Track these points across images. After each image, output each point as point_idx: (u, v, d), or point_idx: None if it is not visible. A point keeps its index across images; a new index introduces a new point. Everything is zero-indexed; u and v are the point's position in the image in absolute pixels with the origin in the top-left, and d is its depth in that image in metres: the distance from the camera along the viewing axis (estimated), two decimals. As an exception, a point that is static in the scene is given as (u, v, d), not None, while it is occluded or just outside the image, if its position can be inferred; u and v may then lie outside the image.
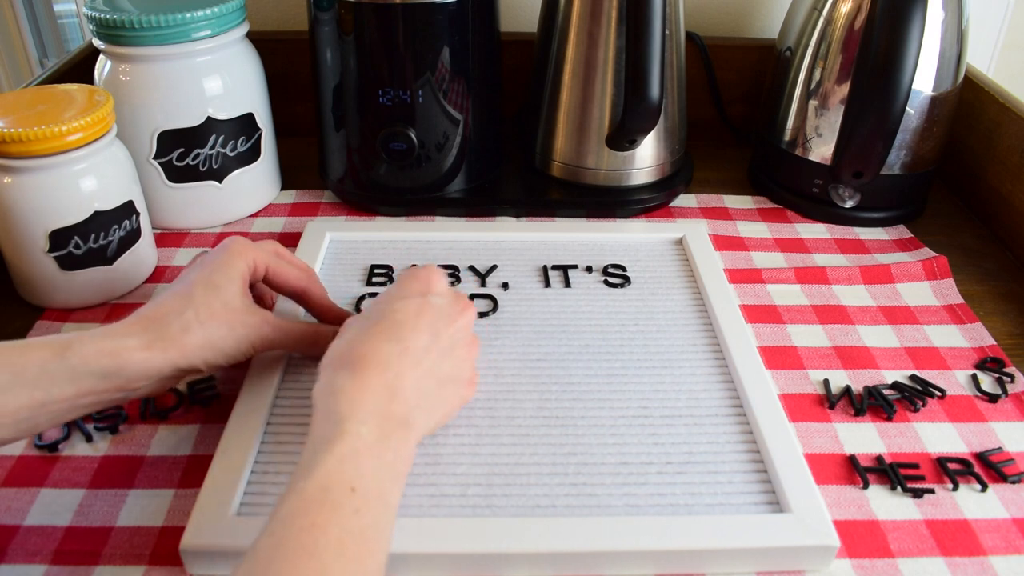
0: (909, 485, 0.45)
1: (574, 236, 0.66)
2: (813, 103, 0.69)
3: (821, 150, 0.70)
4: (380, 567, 0.34)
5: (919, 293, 0.62)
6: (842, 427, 0.49)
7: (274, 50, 0.76)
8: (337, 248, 0.64)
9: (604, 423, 0.48)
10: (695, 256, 0.62)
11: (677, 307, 0.58)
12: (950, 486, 0.45)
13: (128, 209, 0.58)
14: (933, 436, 0.49)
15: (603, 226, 0.67)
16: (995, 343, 0.56)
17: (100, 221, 0.56)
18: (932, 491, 0.45)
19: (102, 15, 0.60)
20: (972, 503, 0.45)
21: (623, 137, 0.67)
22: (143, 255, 0.61)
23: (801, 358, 0.55)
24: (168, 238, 0.67)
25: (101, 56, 0.64)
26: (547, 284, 0.60)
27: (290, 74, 0.80)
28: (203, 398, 0.51)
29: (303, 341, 0.49)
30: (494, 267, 0.62)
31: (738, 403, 0.49)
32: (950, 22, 0.64)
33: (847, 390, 0.52)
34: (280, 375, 0.50)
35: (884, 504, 0.44)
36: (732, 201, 0.75)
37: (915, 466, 0.47)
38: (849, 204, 0.70)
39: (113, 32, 0.60)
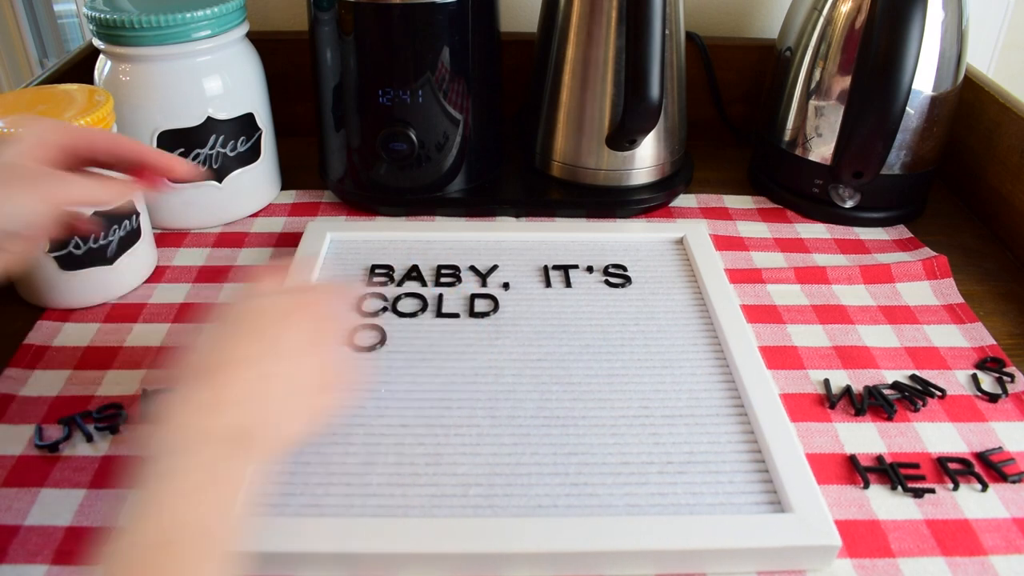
0: (910, 485, 0.45)
1: (574, 236, 0.66)
2: (813, 103, 0.69)
3: (821, 150, 0.70)
4: None
5: (919, 293, 0.62)
6: (842, 427, 0.49)
7: (274, 50, 0.76)
8: (337, 248, 0.64)
9: (605, 423, 0.48)
10: (695, 256, 0.62)
11: (678, 307, 0.58)
12: (950, 486, 0.45)
13: (128, 209, 0.58)
14: (933, 436, 0.49)
15: (603, 226, 0.67)
16: (995, 343, 0.57)
17: (100, 221, 0.56)
18: (932, 491, 0.45)
19: (102, 15, 0.60)
20: (972, 503, 0.45)
21: (623, 137, 0.67)
22: (143, 255, 0.61)
23: (801, 358, 0.55)
24: (168, 238, 0.67)
25: (101, 56, 0.64)
26: (548, 284, 0.60)
27: (290, 74, 0.80)
28: (203, 398, 0.50)
29: (118, 152, 0.43)
30: (495, 267, 0.62)
31: (739, 403, 0.49)
32: (950, 22, 0.64)
33: (847, 390, 0.52)
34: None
35: (885, 504, 0.44)
36: (732, 201, 0.75)
37: (915, 466, 0.47)
38: (849, 204, 0.70)
39: (113, 32, 0.60)
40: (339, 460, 0.45)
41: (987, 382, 0.53)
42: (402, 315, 0.57)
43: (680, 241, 0.66)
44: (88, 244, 0.56)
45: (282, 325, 0.39)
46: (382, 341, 0.54)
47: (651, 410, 0.49)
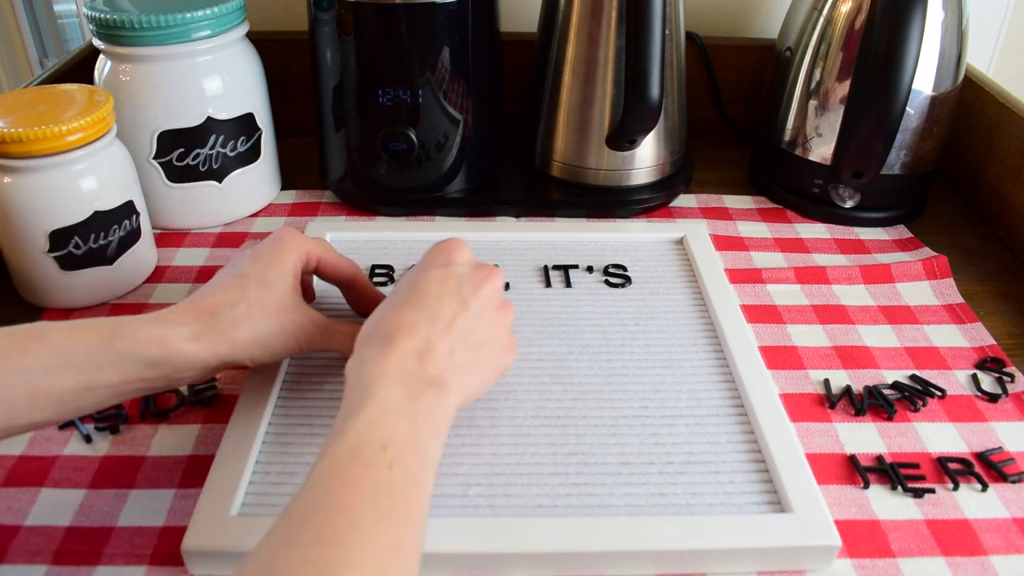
0: (910, 485, 0.45)
1: (574, 236, 0.66)
2: (813, 103, 0.69)
3: (821, 150, 0.70)
4: (419, 519, 0.34)
5: (919, 293, 0.62)
6: (842, 427, 0.49)
7: (274, 50, 0.76)
8: (338, 248, 0.63)
9: (605, 423, 0.48)
10: (695, 256, 0.62)
11: (678, 307, 0.58)
12: (950, 486, 0.45)
13: (128, 209, 0.58)
14: (933, 436, 0.49)
15: (603, 226, 0.67)
16: (995, 343, 0.57)
17: (100, 221, 0.56)
18: (933, 491, 0.45)
19: (102, 15, 0.60)
20: (972, 503, 0.45)
21: (623, 137, 0.67)
22: (143, 255, 0.61)
23: (801, 358, 0.55)
24: (168, 238, 0.67)
25: (101, 56, 0.64)
26: (548, 284, 0.60)
27: (290, 74, 0.80)
28: (204, 398, 0.50)
29: (347, 341, 0.48)
30: (495, 267, 0.62)
31: (739, 403, 0.49)
32: (950, 22, 0.64)
33: (847, 390, 0.52)
34: (282, 375, 0.50)
35: (885, 504, 0.44)
36: (732, 201, 0.75)
37: (915, 466, 0.47)
38: (849, 204, 0.70)
39: (113, 32, 0.60)
40: (339, 460, 0.45)
41: (987, 382, 0.53)
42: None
43: (680, 241, 0.66)
44: (88, 244, 0.56)
45: (473, 290, 0.44)
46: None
47: (651, 410, 0.49)
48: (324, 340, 0.47)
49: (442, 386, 0.39)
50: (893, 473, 0.46)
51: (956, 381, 0.53)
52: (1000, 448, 0.48)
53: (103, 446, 0.47)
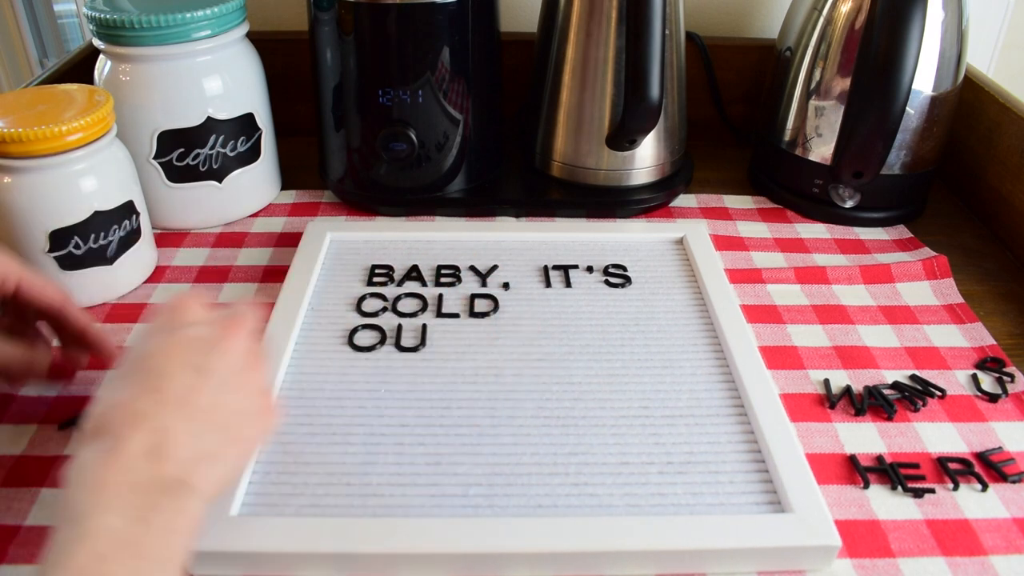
0: (910, 485, 0.45)
1: (574, 236, 0.66)
2: (813, 103, 0.69)
3: (821, 150, 0.70)
4: None
5: (919, 293, 0.62)
6: (842, 427, 0.49)
7: (274, 50, 0.76)
8: (337, 248, 0.64)
9: (605, 423, 0.48)
10: (695, 256, 0.62)
11: (678, 307, 0.58)
12: (950, 486, 0.45)
13: (128, 209, 0.58)
14: (933, 436, 0.49)
15: (603, 226, 0.67)
16: (995, 343, 0.57)
17: (100, 221, 0.56)
18: (933, 491, 0.45)
19: (102, 15, 0.60)
20: (972, 503, 0.45)
21: (623, 137, 0.67)
22: (143, 255, 0.61)
23: (801, 358, 0.55)
24: (168, 238, 0.67)
25: (101, 56, 0.64)
26: (548, 284, 0.60)
27: (290, 74, 0.80)
28: (203, 398, 0.50)
29: (13, 362, 0.44)
30: (495, 267, 0.62)
31: (739, 403, 0.49)
32: (950, 22, 0.64)
33: (847, 390, 0.52)
34: (282, 375, 0.50)
35: (885, 504, 0.44)
36: (732, 201, 0.75)
37: (915, 466, 0.47)
38: (849, 204, 0.70)
39: (113, 32, 0.60)
40: (339, 460, 0.45)
41: (987, 382, 0.53)
42: (402, 315, 0.57)
43: (680, 241, 0.66)
44: (88, 244, 0.56)
45: (210, 355, 0.37)
46: (382, 341, 0.54)
47: (651, 410, 0.49)
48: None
49: (182, 489, 0.33)
50: (893, 473, 0.46)
51: (956, 381, 0.53)
52: (1000, 448, 0.48)
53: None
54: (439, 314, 0.57)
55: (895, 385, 0.52)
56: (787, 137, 0.72)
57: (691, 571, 0.41)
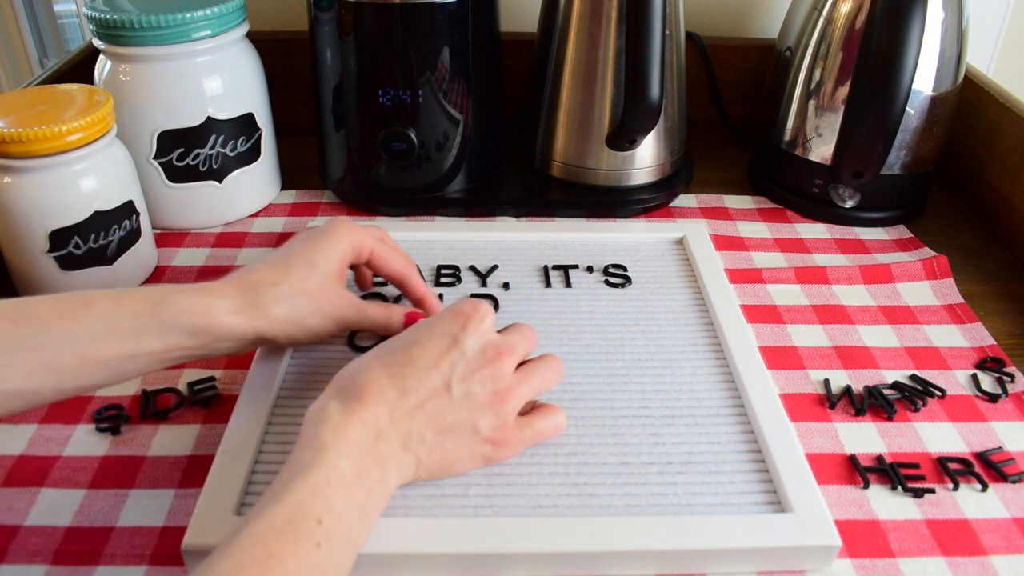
0: (910, 485, 0.45)
1: (574, 236, 0.66)
2: (813, 103, 0.69)
3: (821, 150, 0.70)
4: None
5: (919, 293, 0.62)
6: (842, 427, 0.49)
7: (274, 50, 0.76)
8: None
9: (605, 423, 0.48)
10: (695, 256, 0.62)
11: (678, 307, 0.58)
12: (950, 486, 0.45)
13: (128, 209, 0.58)
14: (933, 436, 0.49)
15: (603, 226, 0.67)
16: (995, 343, 0.57)
17: (100, 221, 0.56)
18: (933, 491, 0.45)
19: (102, 15, 0.60)
20: (972, 503, 0.45)
21: (623, 137, 0.67)
22: (143, 255, 0.61)
23: (801, 358, 0.55)
24: (168, 238, 0.67)
25: (101, 56, 0.64)
26: (548, 284, 0.60)
27: (290, 74, 0.80)
28: (203, 398, 0.50)
29: (378, 323, 0.50)
30: (495, 267, 0.62)
31: (739, 403, 0.49)
32: (950, 22, 0.64)
33: (847, 390, 0.52)
34: (281, 375, 0.50)
35: (885, 504, 0.44)
36: (732, 201, 0.75)
37: (915, 466, 0.47)
38: (849, 204, 0.70)
39: (113, 32, 0.60)
40: (339, 460, 0.45)
41: (987, 382, 0.53)
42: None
43: (680, 241, 0.66)
44: (88, 244, 0.56)
45: (465, 375, 0.41)
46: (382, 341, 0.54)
47: (651, 410, 0.49)
48: (358, 321, 0.49)
49: (387, 468, 0.38)
50: (893, 473, 0.46)
51: (956, 381, 0.53)
52: (1000, 448, 0.48)
53: (103, 446, 0.47)
54: (439, 314, 0.57)
55: (895, 385, 0.52)
56: (787, 137, 0.72)
57: (691, 571, 0.41)
